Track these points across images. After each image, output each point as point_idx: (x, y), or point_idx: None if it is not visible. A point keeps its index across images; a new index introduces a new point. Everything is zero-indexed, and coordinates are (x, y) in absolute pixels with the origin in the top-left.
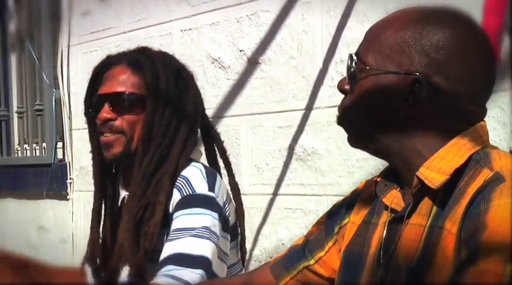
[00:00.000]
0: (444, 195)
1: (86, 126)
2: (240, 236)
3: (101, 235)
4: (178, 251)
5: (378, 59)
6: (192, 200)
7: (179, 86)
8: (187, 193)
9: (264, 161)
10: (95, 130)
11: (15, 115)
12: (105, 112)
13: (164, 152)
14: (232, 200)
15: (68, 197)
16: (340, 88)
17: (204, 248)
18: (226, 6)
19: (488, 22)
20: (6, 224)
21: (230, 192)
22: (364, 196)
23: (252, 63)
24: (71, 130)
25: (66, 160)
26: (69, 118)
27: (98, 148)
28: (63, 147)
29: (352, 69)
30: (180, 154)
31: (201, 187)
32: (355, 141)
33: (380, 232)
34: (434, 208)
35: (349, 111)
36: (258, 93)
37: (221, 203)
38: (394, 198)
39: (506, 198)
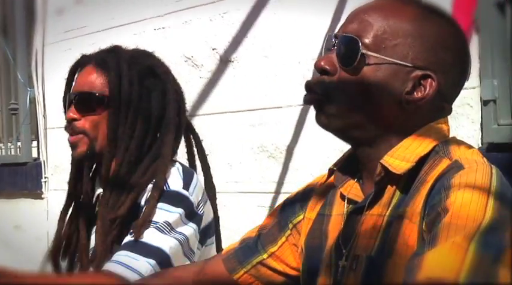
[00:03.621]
0: (405, 184)
1: (60, 124)
2: (215, 235)
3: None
4: (136, 239)
5: (384, 47)
6: (164, 196)
7: (146, 85)
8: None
9: (237, 159)
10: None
11: None
12: (71, 112)
13: (133, 157)
14: (208, 200)
15: (43, 196)
16: (322, 67)
17: (163, 242)
18: (199, 4)
19: (458, 21)
20: None
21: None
22: (318, 192)
23: (225, 61)
24: (45, 129)
25: (41, 159)
26: (44, 117)
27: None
28: (38, 146)
29: (354, 51)
30: (163, 157)
31: (175, 184)
32: (338, 124)
33: (338, 223)
34: (395, 197)
35: (339, 94)
36: (230, 91)
37: (195, 202)
38: (352, 189)
39: (466, 183)
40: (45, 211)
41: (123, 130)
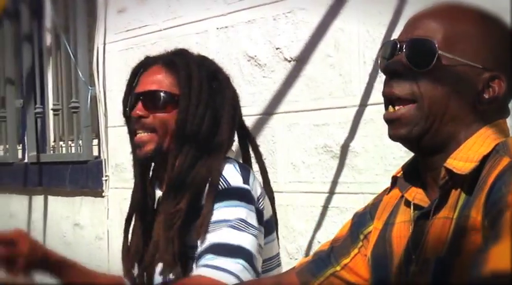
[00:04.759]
0: (470, 186)
1: (121, 123)
2: (275, 233)
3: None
4: (216, 242)
5: (454, 49)
6: (227, 193)
7: (213, 87)
8: (222, 187)
9: (300, 159)
10: (131, 129)
11: (51, 113)
12: (138, 110)
13: (198, 152)
14: (266, 196)
15: (103, 194)
16: (393, 70)
17: (242, 239)
18: (262, 3)
19: None
20: (42, 221)
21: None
22: (384, 201)
23: (288, 60)
24: (106, 127)
25: (102, 158)
26: (105, 115)
27: (134, 148)
28: (98, 144)
29: (429, 52)
30: (216, 155)
31: (235, 180)
32: (418, 133)
33: (403, 230)
34: (461, 199)
35: (418, 99)
36: (294, 90)
37: (255, 196)
38: (416, 194)
39: None
40: (105, 209)
41: (191, 128)
